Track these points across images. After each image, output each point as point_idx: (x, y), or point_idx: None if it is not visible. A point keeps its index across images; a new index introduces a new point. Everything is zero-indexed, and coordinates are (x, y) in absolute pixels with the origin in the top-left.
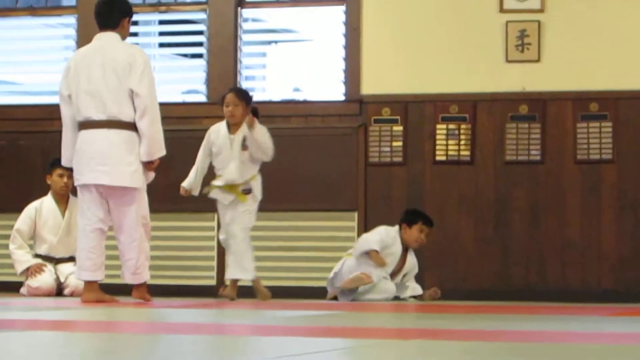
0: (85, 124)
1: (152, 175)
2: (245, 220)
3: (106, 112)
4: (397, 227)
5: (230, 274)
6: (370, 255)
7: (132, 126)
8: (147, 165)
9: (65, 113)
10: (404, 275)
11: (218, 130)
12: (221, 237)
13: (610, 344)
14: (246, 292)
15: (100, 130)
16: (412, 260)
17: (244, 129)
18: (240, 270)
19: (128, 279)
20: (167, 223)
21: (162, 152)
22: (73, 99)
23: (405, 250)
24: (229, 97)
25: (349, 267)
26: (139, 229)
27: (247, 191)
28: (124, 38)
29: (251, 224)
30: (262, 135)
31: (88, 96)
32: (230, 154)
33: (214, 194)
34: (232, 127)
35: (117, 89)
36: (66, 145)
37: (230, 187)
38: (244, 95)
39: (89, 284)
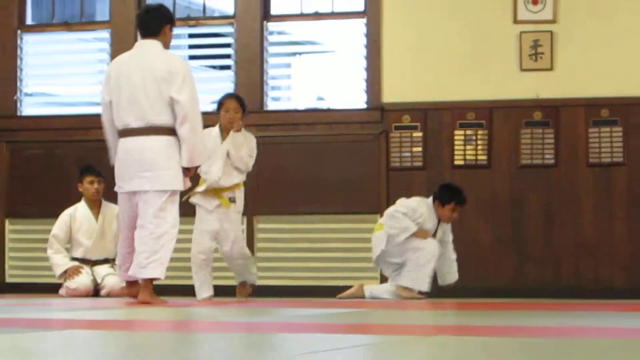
0: (125, 132)
1: (188, 182)
2: (239, 228)
3: (145, 119)
4: (430, 202)
5: (244, 278)
6: (416, 235)
7: (170, 131)
8: (186, 171)
9: (107, 117)
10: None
11: (210, 135)
12: (206, 245)
13: (622, 338)
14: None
15: (139, 138)
16: (442, 229)
17: (230, 135)
18: (251, 275)
19: (135, 272)
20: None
21: (203, 160)
22: (114, 107)
23: (438, 221)
24: (230, 103)
25: (397, 243)
26: (158, 228)
27: (232, 199)
28: (166, 45)
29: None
30: (241, 142)
31: (128, 104)
32: (219, 159)
33: (196, 199)
34: (224, 133)
35: (156, 97)
36: (112, 147)
37: (214, 192)
38: (243, 103)
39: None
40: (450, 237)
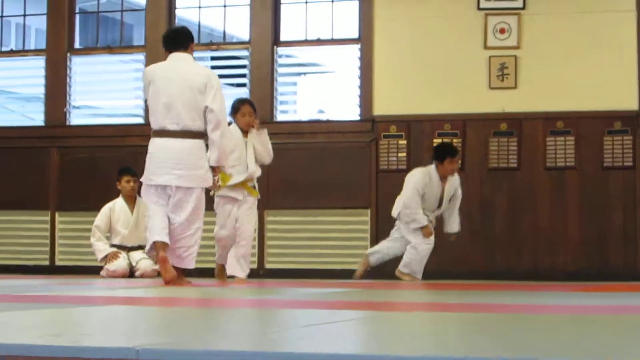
0: (161, 132)
1: (217, 179)
2: (254, 221)
3: (180, 123)
4: (432, 165)
5: (233, 271)
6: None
7: (201, 135)
8: (214, 170)
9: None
10: (450, 200)
11: (232, 133)
12: (223, 232)
13: (571, 314)
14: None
15: (175, 139)
16: (450, 185)
17: (253, 134)
18: (242, 270)
19: (174, 262)
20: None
21: (227, 160)
22: (151, 109)
23: (442, 180)
24: (246, 108)
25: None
26: (194, 224)
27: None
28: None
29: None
30: (266, 137)
31: (165, 109)
32: (246, 154)
33: (223, 192)
34: (245, 132)
35: (191, 104)
36: None
37: (242, 184)
38: (254, 106)
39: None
40: (460, 193)
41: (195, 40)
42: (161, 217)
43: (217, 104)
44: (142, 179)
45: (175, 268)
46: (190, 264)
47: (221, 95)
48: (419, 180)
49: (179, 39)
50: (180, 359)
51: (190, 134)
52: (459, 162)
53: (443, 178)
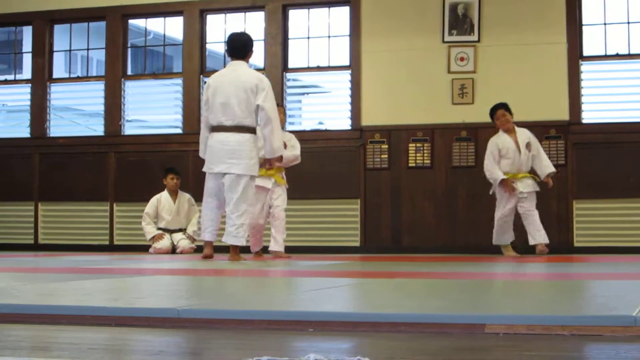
0: (218, 127)
1: (268, 167)
2: (284, 205)
3: (235, 119)
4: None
5: (273, 248)
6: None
7: (253, 130)
8: (269, 160)
9: (204, 115)
10: (527, 146)
11: None
12: (261, 221)
13: (520, 280)
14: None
15: (229, 133)
16: (520, 136)
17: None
18: (279, 246)
19: (227, 239)
20: None
21: (280, 152)
22: (210, 108)
23: (509, 133)
24: (279, 109)
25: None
26: (242, 205)
27: (283, 177)
28: (248, 64)
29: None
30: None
31: (221, 107)
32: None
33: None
34: None
35: (244, 103)
36: (202, 141)
37: (272, 173)
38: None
39: (232, 247)
40: (534, 140)
41: (221, 67)
42: (209, 215)
43: (268, 103)
44: (203, 169)
45: (231, 245)
46: (240, 241)
47: (271, 95)
48: (491, 144)
49: (238, 49)
50: (211, 317)
51: (243, 129)
52: (511, 114)
53: (508, 131)
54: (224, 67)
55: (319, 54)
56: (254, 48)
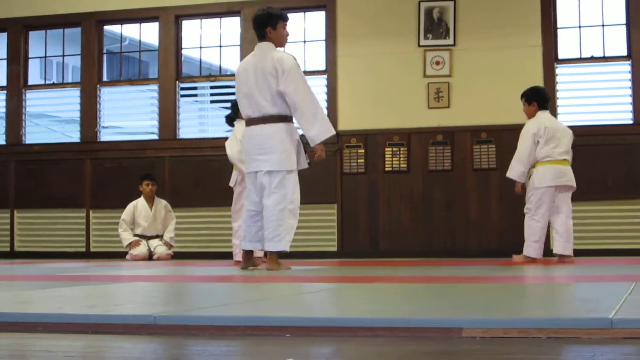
0: (247, 122)
1: (322, 153)
2: None
3: (260, 110)
4: (545, 112)
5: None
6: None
7: (283, 119)
8: (316, 149)
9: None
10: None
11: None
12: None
13: (495, 283)
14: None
15: (257, 126)
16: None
17: None
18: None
19: (266, 246)
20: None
21: (324, 135)
22: (237, 100)
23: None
24: None
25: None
26: (281, 204)
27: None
28: (278, 44)
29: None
30: None
31: (245, 98)
32: None
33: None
34: None
35: (266, 90)
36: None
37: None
38: None
39: (246, 252)
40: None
41: (197, 73)
42: (247, 221)
43: (290, 87)
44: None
45: (269, 252)
46: (280, 246)
47: (296, 76)
48: (528, 130)
49: (256, 30)
50: (188, 323)
51: (271, 119)
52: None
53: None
54: (199, 72)
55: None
56: (277, 22)
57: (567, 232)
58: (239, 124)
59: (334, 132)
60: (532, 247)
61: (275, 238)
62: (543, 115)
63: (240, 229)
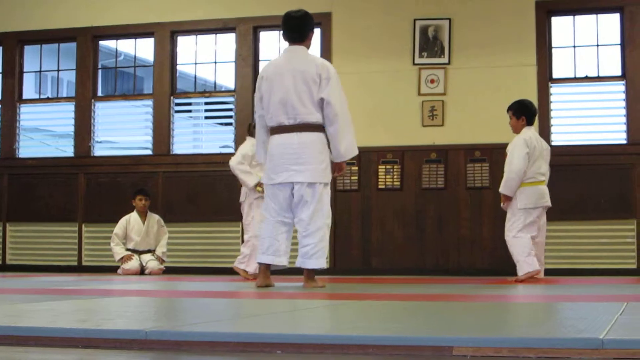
0: (278, 129)
1: (338, 173)
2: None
3: (296, 118)
4: (531, 128)
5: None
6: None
7: (320, 128)
8: (337, 165)
9: (259, 114)
10: None
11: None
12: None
13: (485, 302)
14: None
15: (291, 134)
16: None
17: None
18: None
19: (301, 263)
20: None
21: (352, 153)
22: (265, 106)
23: None
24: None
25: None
26: (319, 219)
27: None
28: (308, 49)
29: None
30: None
31: (280, 104)
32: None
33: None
34: None
35: (307, 97)
36: (260, 145)
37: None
38: None
39: (265, 267)
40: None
41: (191, 89)
42: (269, 232)
43: (335, 97)
44: (262, 180)
45: (306, 270)
46: (318, 264)
47: (338, 86)
48: (522, 153)
49: (295, 31)
50: (180, 339)
51: (309, 127)
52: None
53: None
54: (194, 88)
55: None
56: (315, 29)
57: (542, 250)
58: (249, 143)
59: (357, 152)
60: (526, 262)
61: (316, 254)
62: (530, 132)
63: (255, 240)
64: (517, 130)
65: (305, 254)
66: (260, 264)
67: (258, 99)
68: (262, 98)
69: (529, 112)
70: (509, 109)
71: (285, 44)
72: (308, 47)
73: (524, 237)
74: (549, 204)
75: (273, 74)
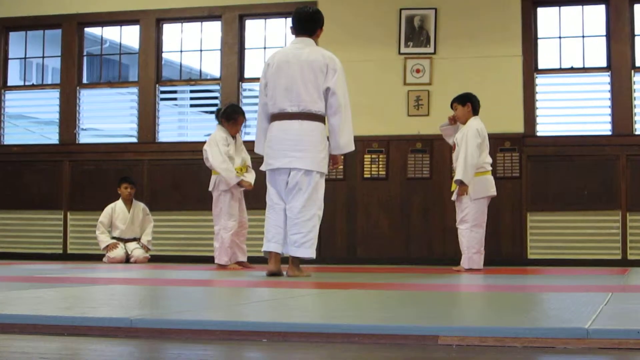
0: (280, 115)
1: (334, 167)
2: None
3: (300, 105)
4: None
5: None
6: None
7: (321, 119)
8: (334, 158)
9: (262, 102)
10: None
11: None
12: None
13: (472, 291)
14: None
15: (293, 121)
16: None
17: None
18: (245, 255)
19: (290, 250)
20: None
21: (350, 148)
22: (269, 92)
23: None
24: (241, 118)
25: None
26: (311, 208)
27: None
28: (316, 44)
29: None
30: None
31: (285, 90)
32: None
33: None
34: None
35: (312, 86)
36: (259, 133)
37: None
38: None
39: (275, 255)
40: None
41: (177, 77)
42: (275, 220)
43: (340, 88)
44: (262, 167)
45: (293, 258)
46: (307, 253)
47: (344, 79)
48: (475, 141)
49: (305, 24)
50: (165, 326)
51: (311, 116)
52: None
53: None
54: (180, 76)
55: None
56: (322, 27)
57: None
58: (221, 131)
59: (354, 149)
60: (473, 258)
61: (306, 244)
62: (478, 121)
63: (224, 232)
64: (464, 119)
65: (294, 242)
66: (267, 252)
67: (263, 86)
68: (267, 85)
69: (473, 99)
70: (453, 101)
71: (283, 43)
72: (316, 42)
73: (480, 232)
74: (495, 193)
75: (280, 61)
